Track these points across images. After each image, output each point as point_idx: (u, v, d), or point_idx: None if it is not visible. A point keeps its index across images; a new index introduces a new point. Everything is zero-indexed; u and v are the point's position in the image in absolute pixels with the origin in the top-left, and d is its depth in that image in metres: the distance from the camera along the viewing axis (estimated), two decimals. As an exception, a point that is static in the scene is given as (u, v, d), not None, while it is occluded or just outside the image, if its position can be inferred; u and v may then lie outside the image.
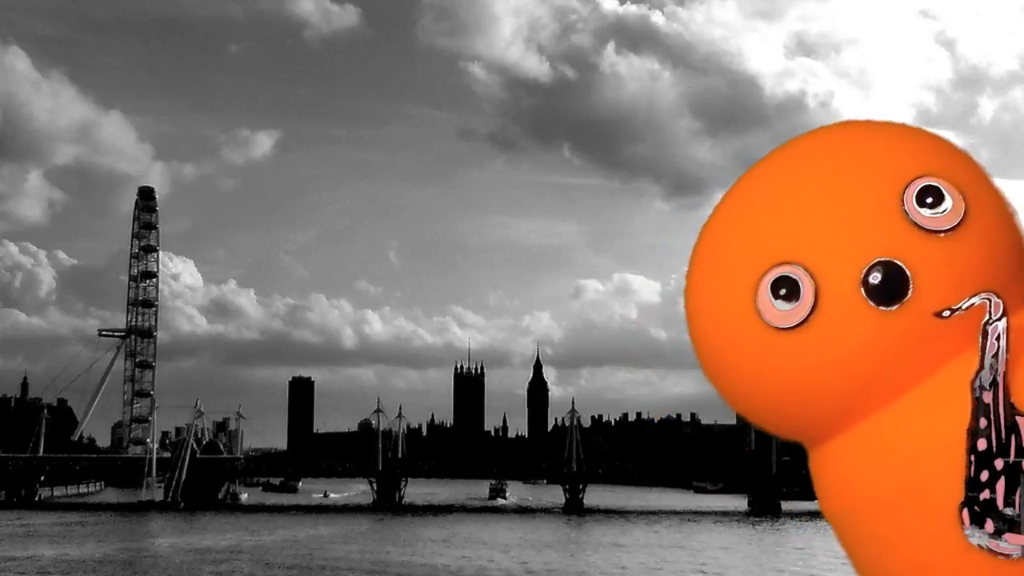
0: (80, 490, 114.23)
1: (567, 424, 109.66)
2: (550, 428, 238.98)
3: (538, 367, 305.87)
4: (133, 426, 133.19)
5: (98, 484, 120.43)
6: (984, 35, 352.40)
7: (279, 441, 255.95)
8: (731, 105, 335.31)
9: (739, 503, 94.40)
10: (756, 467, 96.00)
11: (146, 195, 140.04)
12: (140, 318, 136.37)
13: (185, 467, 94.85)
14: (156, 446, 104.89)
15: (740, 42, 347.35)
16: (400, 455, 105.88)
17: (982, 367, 0.96)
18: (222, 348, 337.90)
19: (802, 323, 0.99)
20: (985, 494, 0.94)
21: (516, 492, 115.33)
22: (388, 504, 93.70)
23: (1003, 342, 0.96)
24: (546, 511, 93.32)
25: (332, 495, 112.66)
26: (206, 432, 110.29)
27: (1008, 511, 0.93)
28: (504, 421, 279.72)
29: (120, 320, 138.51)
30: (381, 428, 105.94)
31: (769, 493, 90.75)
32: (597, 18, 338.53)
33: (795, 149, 1.08)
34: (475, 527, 71.81)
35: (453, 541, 61.03)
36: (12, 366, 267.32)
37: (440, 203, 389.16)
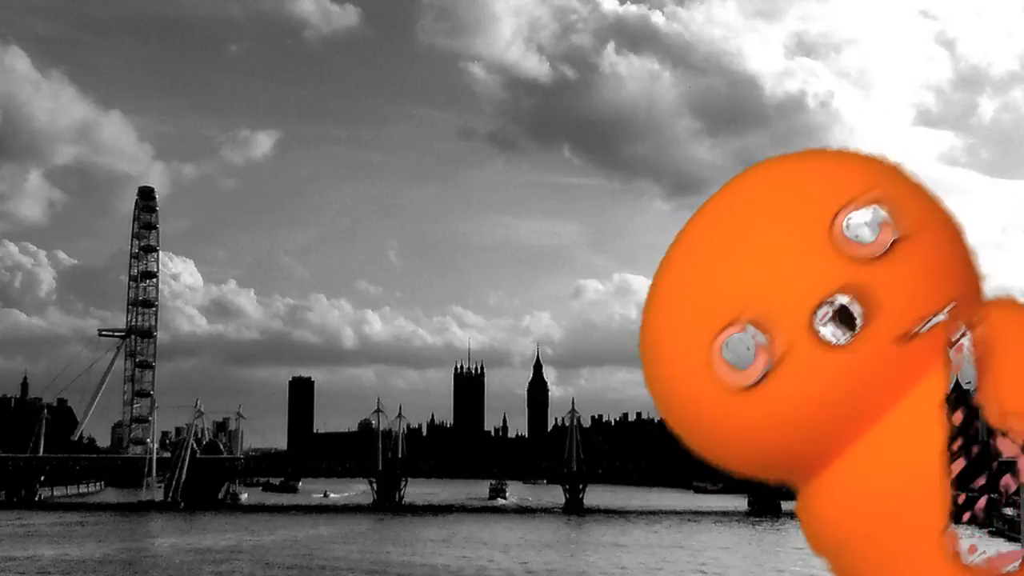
0: (80, 490, 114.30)
1: (567, 424, 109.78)
2: (550, 428, 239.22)
3: (538, 367, 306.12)
4: (133, 426, 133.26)
5: (98, 484, 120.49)
6: (984, 35, 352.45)
7: (279, 441, 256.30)
8: (731, 105, 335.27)
9: (739, 503, 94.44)
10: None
11: (146, 195, 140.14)
12: (140, 318, 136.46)
13: (185, 467, 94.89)
14: (156, 446, 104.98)
15: (740, 42, 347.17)
16: (400, 455, 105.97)
17: (952, 385, 0.96)
18: (222, 348, 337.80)
19: (762, 378, 0.98)
20: (967, 514, 0.94)
21: (516, 492, 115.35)
22: (388, 504, 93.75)
23: (969, 359, 0.96)
24: (546, 511, 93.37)
25: (332, 495, 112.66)
26: (206, 432, 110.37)
27: (991, 529, 0.94)
28: (504, 421, 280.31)
29: (120, 320, 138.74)
30: (381, 428, 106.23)
31: (769, 493, 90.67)
32: (597, 18, 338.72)
33: (726, 200, 1.06)
34: (475, 527, 71.84)
35: (453, 541, 61.06)
36: (12, 366, 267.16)
37: (440, 203, 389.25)
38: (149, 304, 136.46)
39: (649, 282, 1.05)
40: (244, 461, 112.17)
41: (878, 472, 0.99)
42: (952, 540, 0.94)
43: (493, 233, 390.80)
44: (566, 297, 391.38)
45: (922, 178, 1.06)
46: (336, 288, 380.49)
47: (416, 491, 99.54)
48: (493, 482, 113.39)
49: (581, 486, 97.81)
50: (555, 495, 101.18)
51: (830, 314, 0.97)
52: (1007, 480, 0.94)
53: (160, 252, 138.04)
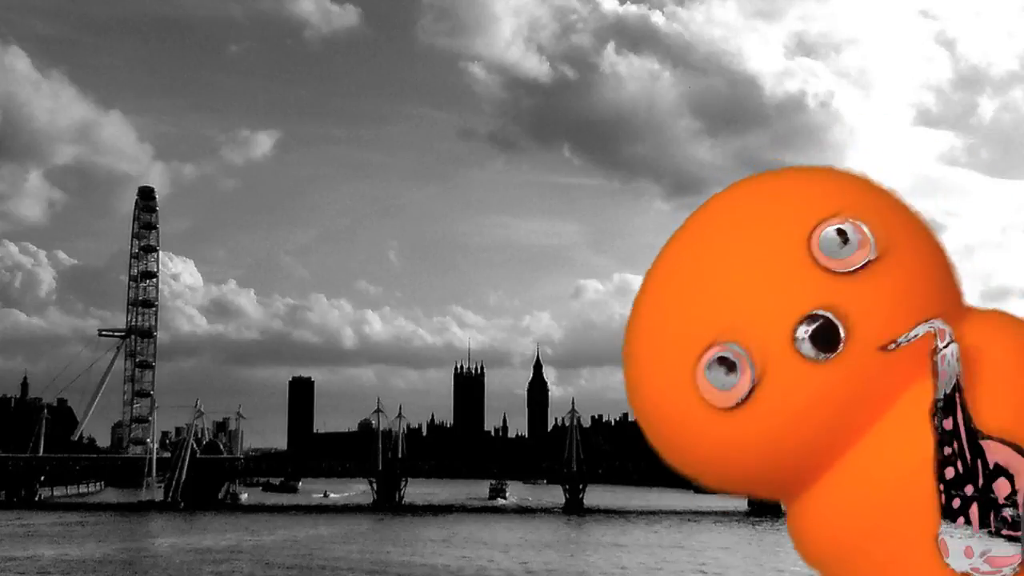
0: (80, 490, 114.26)
1: (567, 424, 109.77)
2: (550, 428, 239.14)
3: (538, 367, 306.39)
4: (133, 426, 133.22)
5: (98, 484, 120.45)
6: (984, 35, 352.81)
7: (279, 441, 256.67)
8: (731, 105, 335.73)
9: (739, 503, 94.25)
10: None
11: (146, 195, 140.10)
12: (140, 318, 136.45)
13: (185, 467, 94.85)
14: (156, 446, 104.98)
15: (740, 42, 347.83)
16: (400, 455, 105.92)
17: (938, 395, 0.96)
18: (222, 348, 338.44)
19: (747, 397, 0.98)
20: (960, 521, 0.94)
21: (516, 492, 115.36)
22: (388, 504, 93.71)
23: (955, 367, 0.96)
24: (546, 511, 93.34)
25: (332, 495, 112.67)
26: (206, 432, 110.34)
27: (984, 535, 0.93)
28: (504, 421, 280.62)
29: (120, 320, 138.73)
30: (381, 428, 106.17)
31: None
32: (597, 18, 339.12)
33: (704, 219, 1.07)
34: (475, 527, 71.82)
35: (453, 541, 61.04)
36: (12, 366, 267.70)
37: (440, 203, 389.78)
38: (149, 304, 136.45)
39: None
40: (244, 461, 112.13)
41: (868, 484, 0.99)
42: (945, 547, 0.95)
43: (493, 233, 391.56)
44: (566, 297, 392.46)
45: (900, 193, 1.05)
46: (336, 288, 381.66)
47: (416, 491, 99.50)
48: (493, 482, 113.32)
49: (581, 486, 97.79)
50: (555, 495, 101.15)
51: (811, 331, 0.97)
52: (1000, 485, 0.94)
53: (160, 252, 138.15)
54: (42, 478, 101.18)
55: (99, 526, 70.68)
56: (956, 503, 0.94)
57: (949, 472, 0.94)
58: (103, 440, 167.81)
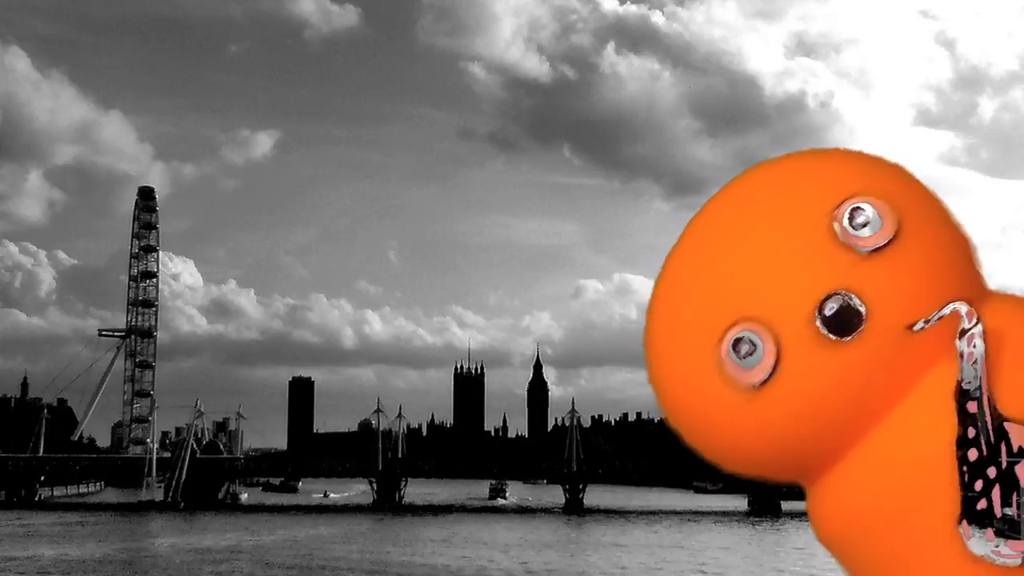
0: (80, 490, 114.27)
1: (567, 424, 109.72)
2: (550, 428, 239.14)
3: (538, 367, 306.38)
4: (133, 426, 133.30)
5: (98, 484, 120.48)
6: (984, 35, 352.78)
7: (279, 441, 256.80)
8: (731, 105, 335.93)
9: (739, 503, 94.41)
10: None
11: (146, 195, 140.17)
12: (140, 318, 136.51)
13: (185, 467, 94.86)
14: (156, 446, 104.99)
15: (740, 42, 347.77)
16: (400, 455, 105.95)
17: (963, 376, 0.96)
18: (222, 348, 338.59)
19: (770, 377, 0.98)
20: (981, 503, 0.94)
21: (516, 492, 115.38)
22: (388, 504, 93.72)
23: (981, 348, 0.96)
24: (546, 511, 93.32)
25: (332, 495, 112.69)
26: (206, 432, 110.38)
27: (1006, 519, 0.93)
28: (504, 421, 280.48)
29: (120, 320, 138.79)
30: (381, 428, 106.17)
31: (769, 493, 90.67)
32: (597, 18, 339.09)
33: (725, 200, 1.07)
34: (475, 527, 71.83)
35: (453, 541, 61.04)
36: (12, 366, 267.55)
37: (440, 203, 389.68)
38: (149, 304, 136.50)
39: (650, 282, 1.06)
40: (244, 461, 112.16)
41: (889, 466, 0.99)
42: (966, 530, 0.95)
43: (493, 233, 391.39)
44: (566, 297, 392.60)
45: (920, 175, 1.06)
46: (336, 288, 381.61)
47: (416, 491, 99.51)
48: (493, 482, 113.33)
49: (581, 486, 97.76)
50: (555, 495, 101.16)
51: (832, 311, 0.98)
52: (1022, 469, 0.94)
53: (160, 252, 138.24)
54: (42, 478, 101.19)
55: (99, 526, 70.69)
56: (978, 486, 0.94)
57: (972, 454, 0.95)
58: (103, 440, 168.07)
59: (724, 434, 1.03)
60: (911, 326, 0.97)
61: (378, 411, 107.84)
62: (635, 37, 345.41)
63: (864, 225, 0.99)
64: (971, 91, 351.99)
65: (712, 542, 62.43)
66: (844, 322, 0.97)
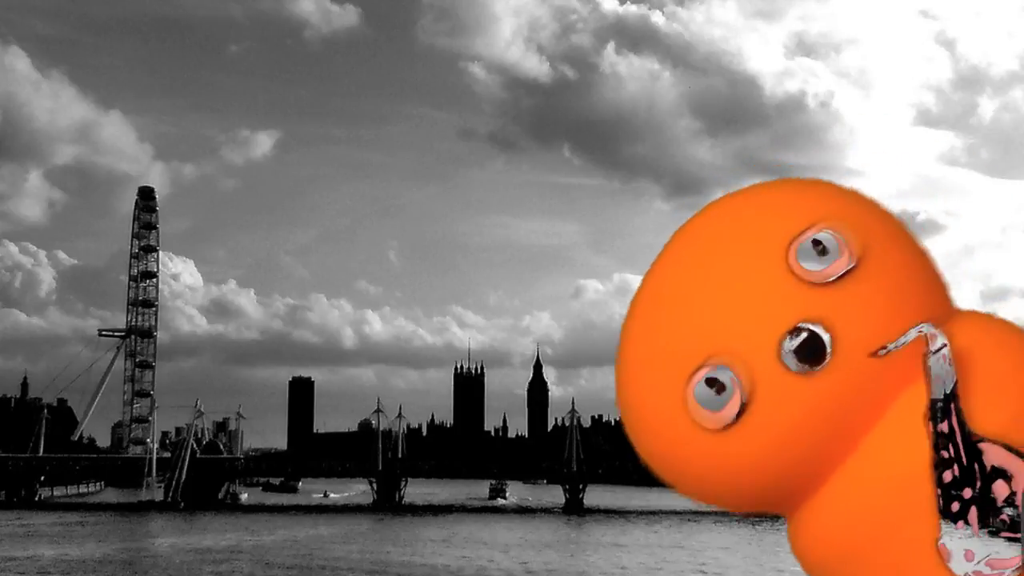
0: (80, 490, 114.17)
1: (567, 424, 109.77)
2: (550, 428, 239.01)
3: (538, 367, 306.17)
4: (133, 426, 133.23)
5: (98, 484, 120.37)
6: (984, 35, 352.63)
7: (279, 441, 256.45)
8: (731, 105, 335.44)
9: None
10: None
11: (146, 195, 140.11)
12: (140, 318, 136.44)
13: (185, 467, 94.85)
14: (156, 446, 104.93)
15: (740, 42, 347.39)
16: (400, 455, 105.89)
17: (933, 397, 0.95)
18: (222, 348, 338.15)
19: (740, 414, 0.98)
20: (959, 524, 0.94)
21: (516, 492, 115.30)
22: (388, 504, 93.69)
23: (949, 369, 0.95)
24: (546, 511, 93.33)
25: (332, 495, 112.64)
26: (206, 432, 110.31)
27: (985, 537, 0.93)
28: (504, 421, 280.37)
29: (120, 320, 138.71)
30: (381, 428, 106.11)
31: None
32: (597, 18, 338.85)
33: (687, 238, 1.07)
34: (475, 527, 71.81)
35: (453, 541, 61.03)
36: (12, 366, 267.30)
37: (440, 203, 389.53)
38: (149, 304, 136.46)
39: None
40: (244, 461, 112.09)
41: (866, 491, 0.98)
42: (946, 551, 0.94)
43: (493, 233, 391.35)
44: (566, 297, 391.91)
45: (879, 200, 1.05)
46: (336, 288, 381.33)
47: (416, 491, 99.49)
48: (493, 482, 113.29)
49: (581, 486, 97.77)
50: (555, 495, 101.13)
51: (796, 344, 0.97)
52: (998, 487, 0.94)
53: (160, 252, 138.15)
54: (42, 478, 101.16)
55: (99, 526, 70.66)
56: (955, 506, 0.94)
57: (947, 475, 0.94)
58: (103, 440, 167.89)
59: (698, 472, 1.03)
60: (874, 352, 0.97)
61: (378, 411, 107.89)
62: (635, 37, 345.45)
63: (824, 254, 0.99)
64: (971, 91, 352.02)
65: (712, 542, 62.43)
66: (810, 353, 0.97)
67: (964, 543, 0.94)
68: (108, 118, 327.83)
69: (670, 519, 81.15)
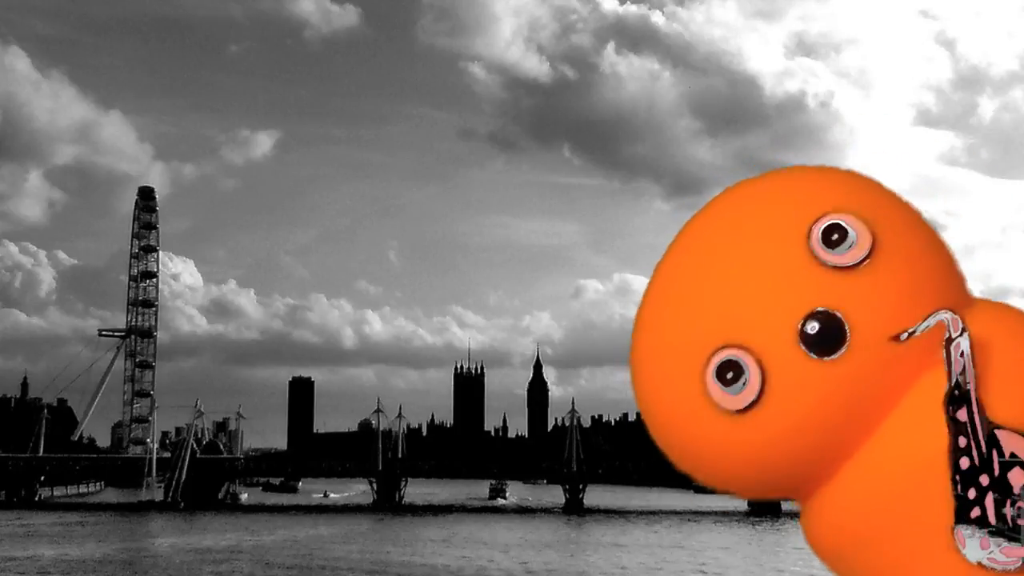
0: (80, 490, 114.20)
1: (567, 424, 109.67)
2: (550, 428, 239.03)
3: (538, 367, 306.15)
4: (133, 426, 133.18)
5: (98, 484, 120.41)
6: (984, 35, 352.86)
7: (279, 441, 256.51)
8: (731, 105, 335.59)
9: (739, 503, 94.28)
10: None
11: (146, 195, 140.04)
12: (140, 318, 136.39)
13: (185, 467, 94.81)
14: (156, 446, 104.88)
15: (740, 42, 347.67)
16: (400, 455, 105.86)
17: (952, 384, 0.95)
18: (222, 348, 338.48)
19: (757, 400, 0.98)
20: (975, 511, 0.94)
21: (516, 492, 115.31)
22: (388, 504, 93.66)
23: (968, 356, 0.96)
24: (546, 511, 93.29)
25: (332, 495, 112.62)
26: (206, 432, 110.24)
27: (1000, 526, 0.93)
28: (504, 421, 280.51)
29: (120, 320, 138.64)
30: (381, 428, 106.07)
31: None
32: (597, 18, 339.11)
33: (703, 224, 1.07)
34: (475, 527, 71.78)
35: (453, 541, 61.01)
36: (12, 366, 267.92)
37: (440, 203, 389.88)
38: (149, 304, 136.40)
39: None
40: (244, 461, 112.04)
41: (882, 478, 0.99)
42: (961, 538, 0.95)
43: (493, 233, 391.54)
44: (566, 297, 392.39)
45: (895, 188, 1.06)
46: (336, 288, 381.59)
47: (416, 491, 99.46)
48: (493, 482, 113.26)
49: (581, 486, 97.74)
50: (555, 495, 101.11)
51: (815, 329, 0.98)
52: (1015, 475, 0.94)
53: (160, 252, 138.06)
54: (42, 478, 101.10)
55: (99, 526, 70.64)
56: (971, 494, 0.94)
57: (964, 463, 0.94)
58: (103, 440, 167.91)
59: (714, 458, 1.03)
60: (896, 337, 0.97)
61: (378, 411, 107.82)
62: (635, 37, 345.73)
63: (842, 241, 0.99)
64: (971, 91, 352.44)
65: (712, 542, 62.41)
66: (828, 340, 0.97)
67: (979, 531, 0.94)
68: (108, 118, 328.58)
69: (670, 519, 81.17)
